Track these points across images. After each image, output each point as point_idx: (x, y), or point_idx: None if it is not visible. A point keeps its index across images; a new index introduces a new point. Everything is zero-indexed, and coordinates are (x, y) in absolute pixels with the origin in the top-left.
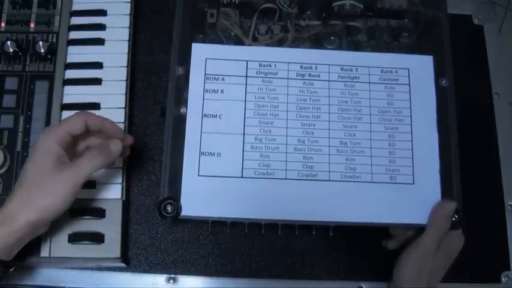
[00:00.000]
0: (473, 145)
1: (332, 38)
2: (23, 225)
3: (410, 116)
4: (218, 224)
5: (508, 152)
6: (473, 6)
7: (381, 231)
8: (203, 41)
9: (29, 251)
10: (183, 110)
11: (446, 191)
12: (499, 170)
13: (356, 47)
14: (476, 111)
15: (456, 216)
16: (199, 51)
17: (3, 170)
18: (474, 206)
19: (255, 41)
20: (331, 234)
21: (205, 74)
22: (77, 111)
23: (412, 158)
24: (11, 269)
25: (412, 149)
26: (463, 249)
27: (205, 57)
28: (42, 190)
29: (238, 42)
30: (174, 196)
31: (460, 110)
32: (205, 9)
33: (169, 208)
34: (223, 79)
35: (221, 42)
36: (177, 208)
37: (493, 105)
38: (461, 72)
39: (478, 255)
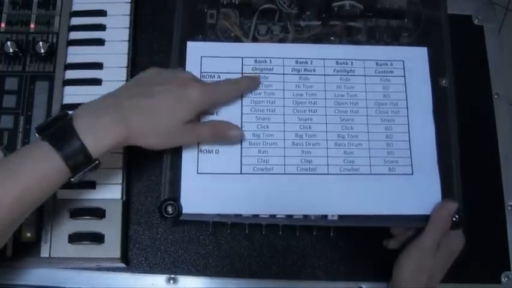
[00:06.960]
0: (473, 145)
1: (332, 38)
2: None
3: (407, 108)
4: (218, 224)
5: (508, 152)
6: (473, 7)
7: (381, 231)
8: (202, 41)
9: (29, 251)
10: None
11: (446, 191)
12: (499, 170)
13: None
14: (476, 111)
15: (456, 216)
16: (194, 49)
17: None
18: (474, 206)
19: (255, 41)
20: (331, 234)
21: (201, 71)
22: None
23: (410, 148)
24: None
25: (409, 140)
26: (463, 249)
27: (200, 55)
28: (161, 130)
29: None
30: (174, 197)
31: (460, 110)
32: (205, 10)
33: (170, 209)
34: (219, 76)
35: None
36: (178, 209)
37: (493, 105)
38: (461, 72)
39: (478, 255)
